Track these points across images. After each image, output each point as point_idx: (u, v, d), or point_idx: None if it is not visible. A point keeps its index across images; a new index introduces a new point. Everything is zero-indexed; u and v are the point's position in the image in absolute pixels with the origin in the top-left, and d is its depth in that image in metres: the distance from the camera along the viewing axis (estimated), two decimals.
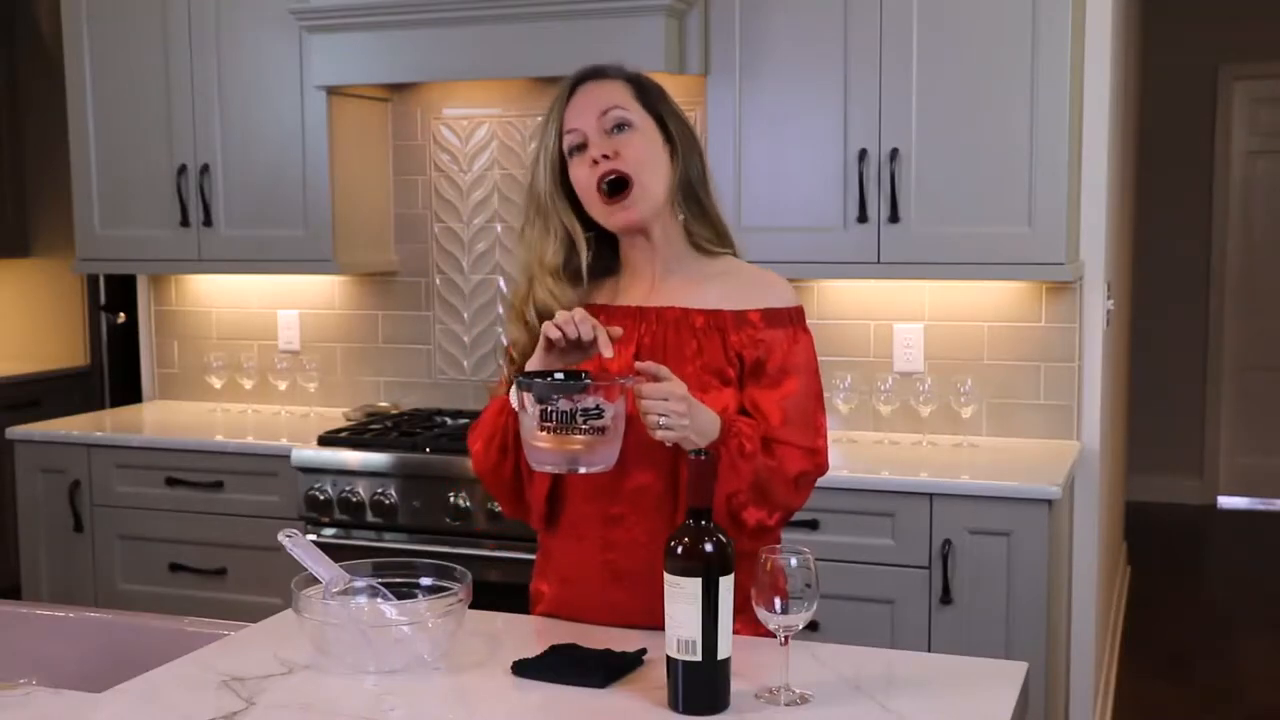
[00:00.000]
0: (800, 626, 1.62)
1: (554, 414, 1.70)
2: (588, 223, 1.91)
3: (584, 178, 1.87)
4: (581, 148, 1.87)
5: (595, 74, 1.92)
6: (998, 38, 3.11)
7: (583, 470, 1.73)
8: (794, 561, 1.60)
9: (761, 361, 1.88)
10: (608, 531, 1.88)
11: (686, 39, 3.31)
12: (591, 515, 1.89)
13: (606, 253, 1.96)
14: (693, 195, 1.92)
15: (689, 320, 1.89)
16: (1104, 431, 3.49)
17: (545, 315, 1.84)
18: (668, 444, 1.75)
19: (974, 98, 3.15)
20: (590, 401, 1.69)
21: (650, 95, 1.92)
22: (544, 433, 1.71)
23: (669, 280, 1.93)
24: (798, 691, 1.62)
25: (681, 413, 1.72)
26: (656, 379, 1.73)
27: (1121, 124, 4.09)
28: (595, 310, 1.92)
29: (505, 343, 2.00)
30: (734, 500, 1.80)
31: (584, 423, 1.69)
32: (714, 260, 1.96)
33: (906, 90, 3.19)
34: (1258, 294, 6.97)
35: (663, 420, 1.71)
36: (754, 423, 1.85)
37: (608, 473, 1.82)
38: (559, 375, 1.74)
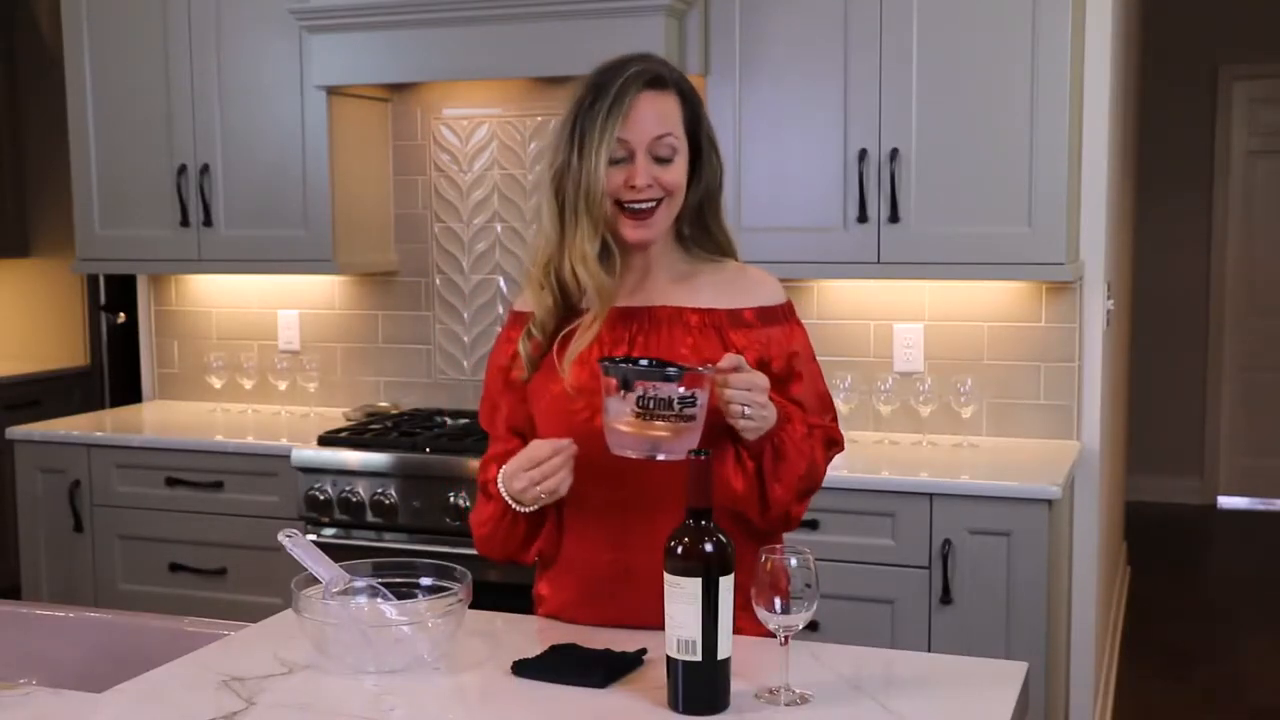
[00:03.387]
0: (800, 626, 1.62)
1: (652, 400, 1.69)
2: None
3: (616, 188, 1.84)
4: (624, 160, 1.84)
5: (657, 82, 1.86)
6: (998, 38, 3.11)
7: (661, 457, 1.72)
8: (794, 561, 1.60)
9: (765, 362, 1.88)
10: (619, 534, 1.88)
11: (686, 39, 3.31)
12: (601, 521, 1.89)
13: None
14: (700, 218, 1.94)
15: (683, 318, 1.89)
16: (1104, 431, 3.49)
17: (569, 290, 1.87)
18: (748, 435, 1.76)
19: (974, 98, 3.15)
20: (685, 390, 1.70)
21: (696, 120, 1.89)
22: (636, 418, 1.70)
23: (657, 279, 1.93)
24: (798, 691, 1.62)
25: (763, 404, 1.74)
26: (737, 370, 1.74)
27: (1121, 124, 4.09)
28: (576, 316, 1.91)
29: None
30: (801, 485, 1.85)
31: (680, 409, 1.69)
32: (703, 263, 1.96)
33: (906, 90, 3.19)
34: (1258, 294, 6.97)
35: (748, 410, 1.73)
36: (797, 408, 1.89)
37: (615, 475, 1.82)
38: (642, 361, 1.75)
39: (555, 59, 3.33)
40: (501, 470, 1.87)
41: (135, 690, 1.70)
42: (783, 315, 1.94)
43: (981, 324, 3.47)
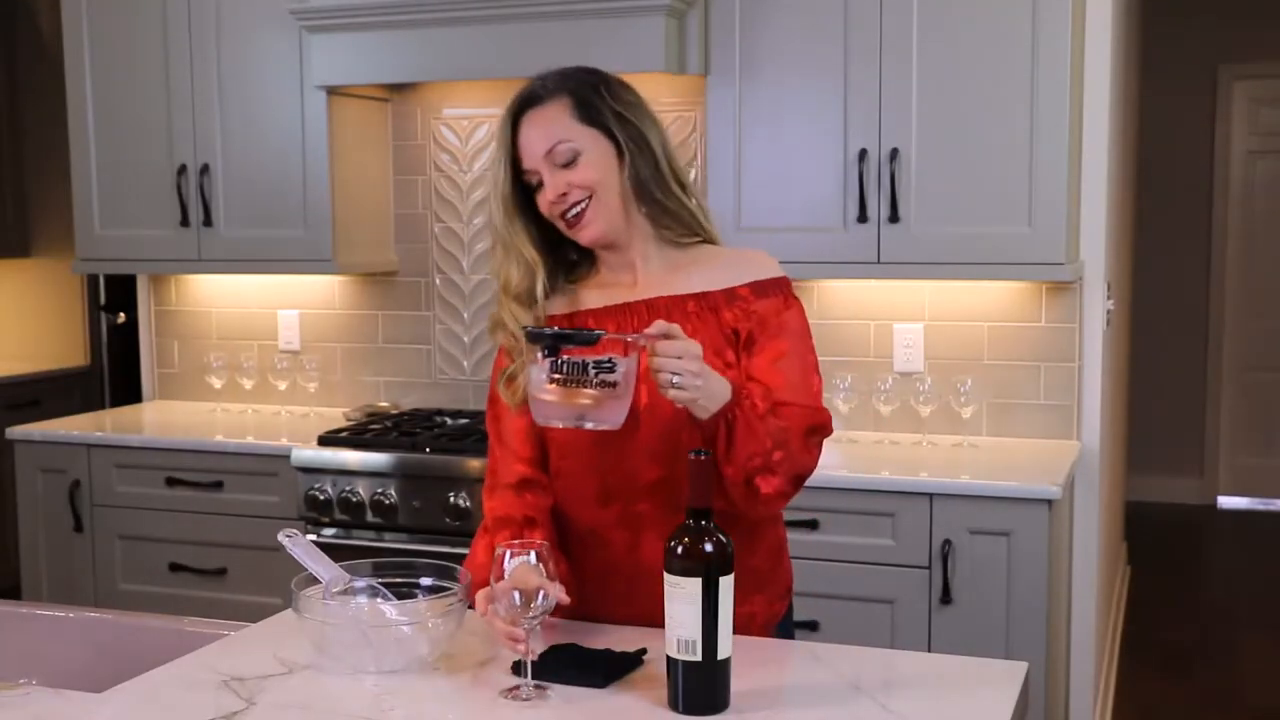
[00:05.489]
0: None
1: (565, 365, 1.67)
2: (558, 237, 1.93)
3: (544, 207, 1.89)
4: (540, 185, 1.88)
5: (534, 100, 1.89)
6: (998, 38, 3.11)
7: (589, 426, 1.69)
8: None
9: (754, 333, 1.88)
10: (631, 532, 1.88)
11: (686, 39, 3.31)
12: (611, 518, 1.89)
13: (583, 253, 1.96)
14: (647, 194, 1.90)
15: (680, 306, 1.89)
16: (1104, 431, 3.49)
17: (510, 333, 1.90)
18: (678, 405, 1.72)
19: (974, 98, 3.15)
20: (602, 355, 1.67)
21: (591, 108, 1.88)
22: (553, 385, 1.68)
23: (651, 273, 1.93)
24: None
25: (695, 372, 1.69)
26: (668, 338, 1.71)
27: (1121, 124, 4.09)
28: (583, 316, 1.92)
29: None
30: (751, 464, 1.77)
31: (595, 375, 1.66)
32: (689, 249, 1.96)
33: (906, 90, 3.19)
34: (1258, 294, 6.97)
35: (676, 379, 1.68)
36: (762, 387, 1.85)
37: (623, 473, 1.81)
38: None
39: (555, 59, 3.27)
40: (481, 592, 1.76)
41: (135, 690, 1.70)
42: (777, 288, 1.92)
43: (981, 324, 3.47)
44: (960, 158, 3.16)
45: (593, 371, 1.66)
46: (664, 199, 1.91)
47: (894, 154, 3.20)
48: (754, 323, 1.88)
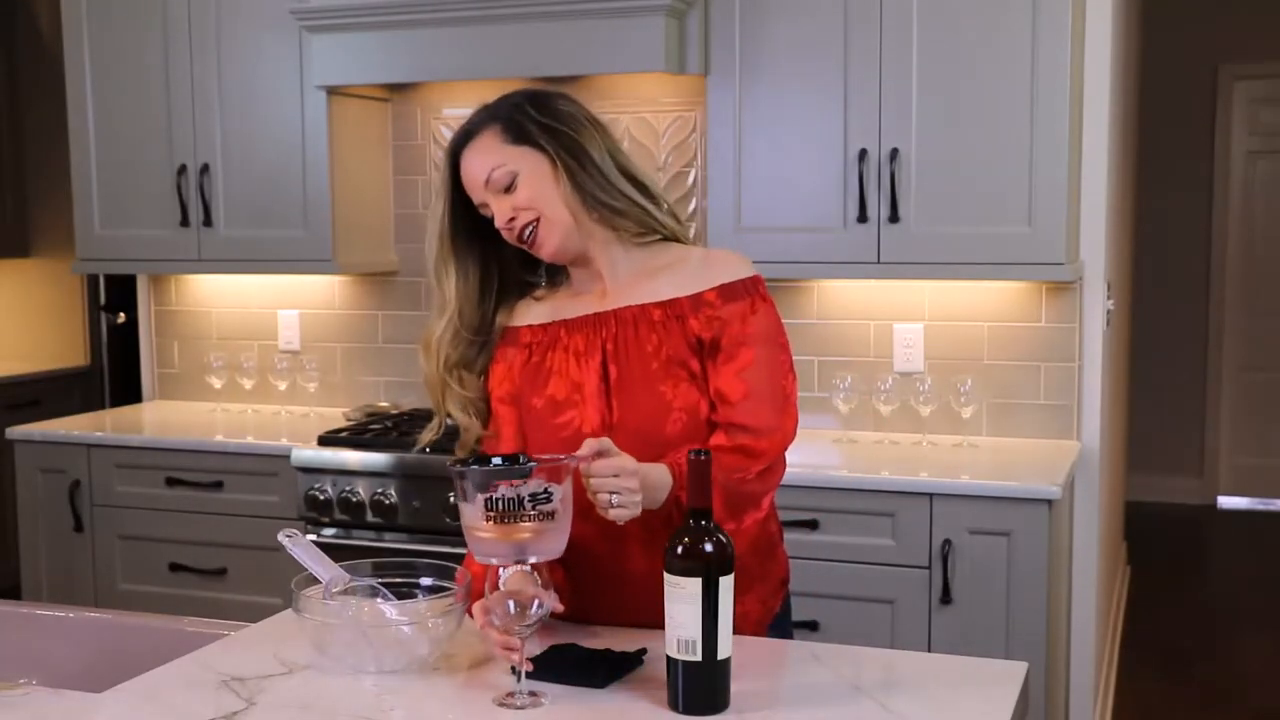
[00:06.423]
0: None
1: (499, 502, 1.59)
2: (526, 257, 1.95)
3: (504, 235, 1.91)
4: (493, 216, 1.90)
5: (467, 136, 1.90)
6: (998, 38, 3.11)
7: (532, 560, 1.63)
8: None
9: (717, 338, 1.86)
10: (614, 543, 1.87)
11: (686, 39, 3.31)
12: (592, 531, 1.88)
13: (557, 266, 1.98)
14: (592, 198, 1.89)
15: (646, 315, 1.88)
16: (1104, 431, 3.49)
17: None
18: (620, 523, 1.69)
19: (974, 98, 3.15)
20: (537, 485, 1.60)
21: (517, 128, 1.87)
22: (489, 523, 1.60)
23: (619, 279, 1.93)
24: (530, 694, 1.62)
25: (634, 489, 1.66)
26: (602, 455, 1.67)
27: (1121, 124, 4.09)
28: (555, 328, 1.92)
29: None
30: (730, 512, 1.80)
31: (532, 508, 1.59)
32: (658, 250, 1.95)
33: (906, 90, 3.19)
34: (1258, 294, 6.97)
35: (615, 498, 1.65)
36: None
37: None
38: (498, 460, 1.64)
39: (555, 59, 3.33)
40: (478, 604, 1.72)
41: (135, 690, 1.70)
42: (745, 291, 1.88)
43: (981, 324, 3.47)
44: (960, 158, 3.16)
45: (529, 505, 1.59)
46: (611, 200, 1.89)
47: (894, 154, 3.20)
48: (718, 329, 1.86)
